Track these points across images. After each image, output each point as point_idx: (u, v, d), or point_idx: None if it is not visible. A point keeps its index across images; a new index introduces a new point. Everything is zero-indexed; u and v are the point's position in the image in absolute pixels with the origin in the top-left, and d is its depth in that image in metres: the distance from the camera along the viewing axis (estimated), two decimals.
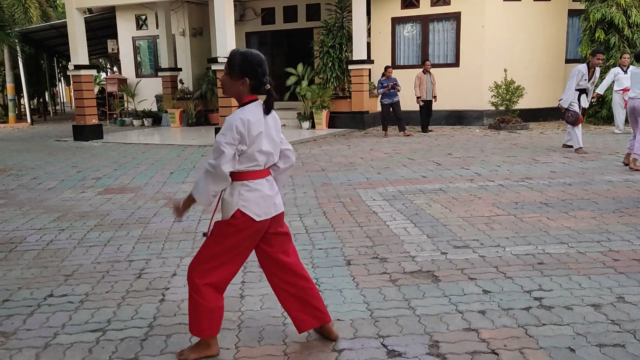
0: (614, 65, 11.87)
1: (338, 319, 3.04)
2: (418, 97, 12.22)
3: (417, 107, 12.59)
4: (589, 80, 8.61)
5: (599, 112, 12.70)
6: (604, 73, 12.30)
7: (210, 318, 2.61)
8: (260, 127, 2.52)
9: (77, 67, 12.87)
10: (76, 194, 6.78)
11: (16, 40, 15.80)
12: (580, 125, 8.75)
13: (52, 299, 3.48)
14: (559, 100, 8.82)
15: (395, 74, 12.44)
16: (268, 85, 2.54)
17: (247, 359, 2.65)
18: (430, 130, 12.64)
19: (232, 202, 2.56)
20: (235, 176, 2.55)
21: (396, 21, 14.26)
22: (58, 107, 28.48)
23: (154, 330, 2.99)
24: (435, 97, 12.43)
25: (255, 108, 2.54)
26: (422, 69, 12.38)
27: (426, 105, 12.40)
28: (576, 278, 3.51)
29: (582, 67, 8.58)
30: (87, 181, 7.65)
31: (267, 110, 2.56)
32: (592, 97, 10.55)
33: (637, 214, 5.01)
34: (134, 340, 2.88)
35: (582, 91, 8.66)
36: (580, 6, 13.27)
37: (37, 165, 9.22)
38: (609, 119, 12.37)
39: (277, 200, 2.65)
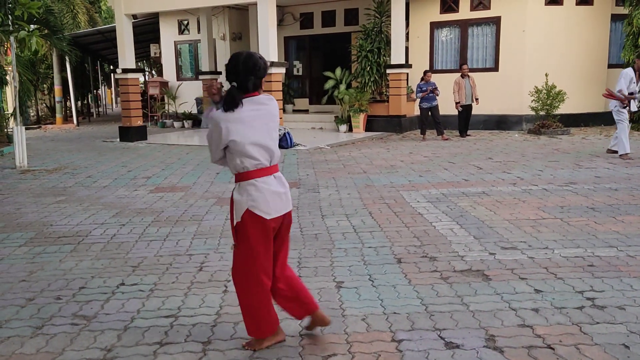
0: None
1: (394, 312, 3.19)
2: (457, 103, 12.24)
3: (454, 111, 12.62)
4: (637, 83, 8.56)
5: None
6: None
7: (265, 317, 2.77)
8: (229, 124, 2.76)
9: (125, 70, 13.35)
10: (130, 192, 7.11)
11: (65, 45, 16.45)
12: (626, 129, 8.66)
13: (124, 287, 3.73)
14: (620, 93, 8.60)
15: (434, 78, 12.49)
16: (233, 83, 2.78)
17: (312, 346, 2.82)
18: (469, 135, 12.64)
19: (241, 202, 2.75)
20: (240, 176, 2.76)
21: (435, 25, 14.31)
22: (100, 109, 29.44)
23: (222, 318, 3.20)
24: (477, 99, 12.36)
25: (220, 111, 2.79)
26: (460, 74, 12.41)
27: (465, 110, 12.40)
28: (627, 280, 3.58)
29: (629, 71, 8.54)
30: (138, 180, 7.99)
31: (225, 107, 2.75)
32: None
33: None
34: (205, 326, 3.09)
35: (630, 95, 8.59)
36: (624, 11, 13.07)
37: (89, 165, 9.65)
38: None
39: (286, 195, 2.80)
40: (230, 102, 2.68)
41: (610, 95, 8.67)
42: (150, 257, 4.41)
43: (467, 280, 3.68)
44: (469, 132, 12.83)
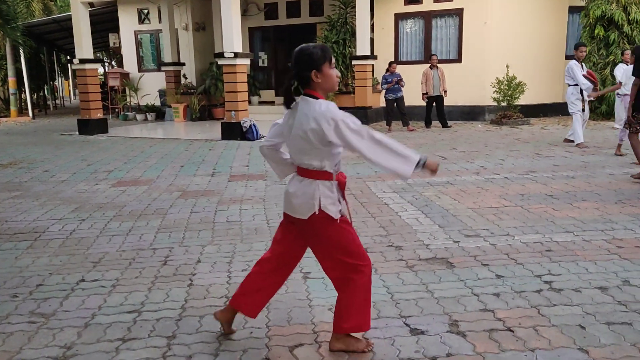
0: (614, 61, 12.06)
1: None
2: (424, 94, 12.34)
3: (422, 102, 12.72)
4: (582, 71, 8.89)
5: (599, 107, 12.89)
6: (603, 69, 12.51)
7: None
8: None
9: (82, 61, 12.97)
10: (90, 186, 6.93)
11: (19, 35, 15.85)
12: (580, 120, 8.94)
13: (84, 284, 3.64)
14: (587, 91, 8.89)
15: (399, 69, 12.59)
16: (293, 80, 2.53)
17: (278, 337, 2.82)
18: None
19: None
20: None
21: (399, 17, 14.41)
22: (57, 101, 28.54)
23: (187, 312, 3.16)
24: (445, 91, 12.46)
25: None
26: (428, 65, 12.50)
27: (434, 101, 12.48)
28: (583, 264, 3.70)
29: (574, 62, 8.85)
30: (99, 174, 7.79)
31: (284, 103, 2.57)
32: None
33: (638, 205, 5.20)
34: (170, 321, 3.05)
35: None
36: (581, 3, 13.45)
37: (46, 159, 9.36)
38: (608, 115, 12.57)
39: (294, 200, 2.54)
40: (287, 100, 2.54)
41: (591, 75, 8.95)
42: (112, 252, 4.32)
43: (431, 268, 3.74)
44: (434, 123, 12.88)
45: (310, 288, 3.45)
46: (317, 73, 2.47)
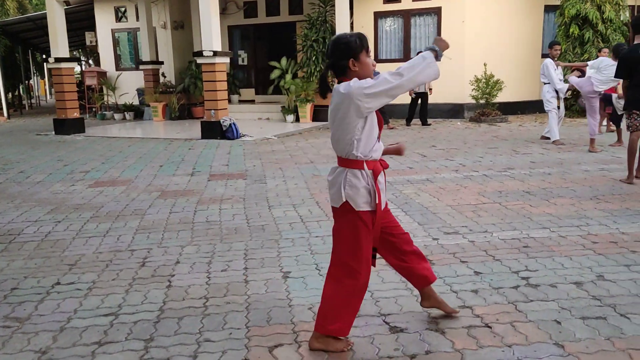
0: (589, 60, 12.26)
1: None
2: (410, 90, 12.38)
3: (403, 100, 12.73)
4: (556, 70, 9.05)
5: (574, 105, 13.10)
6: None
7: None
8: None
9: (58, 59, 12.75)
10: (66, 187, 6.82)
11: None
12: (556, 117, 9.09)
13: (59, 287, 3.58)
14: (561, 93, 9.04)
15: (378, 67, 12.63)
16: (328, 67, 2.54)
17: (258, 337, 2.81)
18: (430, 124, 12.76)
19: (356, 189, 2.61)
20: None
21: (378, 15, 14.46)
22: (33, 101, 28.01)
23: (166, 314, 3.12)
24: (430, 89, 12.51)
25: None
26: None
27: (419, 98, 12.53)
28: (559, 259, 3.76)
29: (549, 60, 9.00)
30: (76, 174, 7.67)
31: (320, 92, 2.62)
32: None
33: (613, 200, 5.31)
34: (147, 323, 3.01)
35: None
36: (556, 2, 13.66)
37: (21, 159, 9.18)
38: (583, 112, 12.77)
39: (329, 190, 2.64)
40: (322, 89, 2.60)
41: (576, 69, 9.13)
42: (89, 254, 4.25)
43: None
44: (429, 121, 12.89)
45: (290, 287, 3.44)
46: (354, 62, 2.47)
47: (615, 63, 7.00)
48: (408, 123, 12.80)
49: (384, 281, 3.49)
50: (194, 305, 3.21)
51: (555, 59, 9.10)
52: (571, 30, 12.79)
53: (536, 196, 5.59)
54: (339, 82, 2.50)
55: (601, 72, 8.22)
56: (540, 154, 8.16)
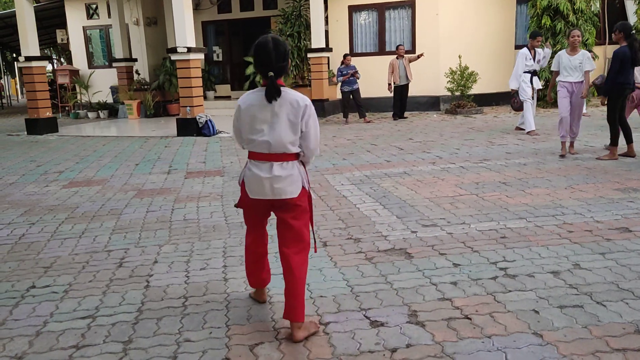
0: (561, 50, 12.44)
1: (321, 296, 3.22)
2: (389, 85, 12.41)
3: (381, 93, 12.77)
4: (534, 60, 9.15)
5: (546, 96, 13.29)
6: (551, 58, 12.90)
7: (248, 272, 3.10)
8: (251, 113, 2.67)
9: (28, 58, 12.45)
10: (40, 188, 6.67)
11: None
12: (530, 108, 9.21)
13: (35, 290, 3.50)
14: (535, 82, 9.22)
15: (354, 61, 12.63)
16: (270, 73, 2.58)
17: (238, 335, 2.79)
18: (406, 117, 12.79)
19: (241, 173, 2.88)
20: (248, 153, 2.80)
21: (353, 9, 14.44)
22: (4, 101, 27.32)
23: (144, 315, 3.08)
24: (411, 78, 12.53)
25: (253, 94, 2.71)
26: (395, 55, 12.55)
27: (401, 91, 12.57)
28: (536, 249, 3.81)
29: (524, 50, 9.14)
30: (50, 175, 7.51)
31: (267, 97, 2.61)
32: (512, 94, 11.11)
33: (587, 190, 5.41)
34: (126, 325, 2.96)
35: (532, 73, 9.16)
36: None
37: None
38: (557, 102, 12.97)
39: (277, 187, 2.66)
40: (272, 93, 2.60)
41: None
42: (65, 256, 4.17)
43: (390, 259, 3.77)
44: (405, 114, 12.94)
45: (269, 284, 3.41)
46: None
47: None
48: (395, 117, 12.72)
49: (364, 275, 3.49)
50: (173, 305, 3.17)
51: (535, 50, 9.20)
52: (543, 21, 12.95)
53: (512, 187, 5.66)
54: (278, 85, 2.61)
55: None
56: (515, 145, 8.27)
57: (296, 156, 2.73)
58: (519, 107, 9.19)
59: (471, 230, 4.30)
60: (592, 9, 13.26)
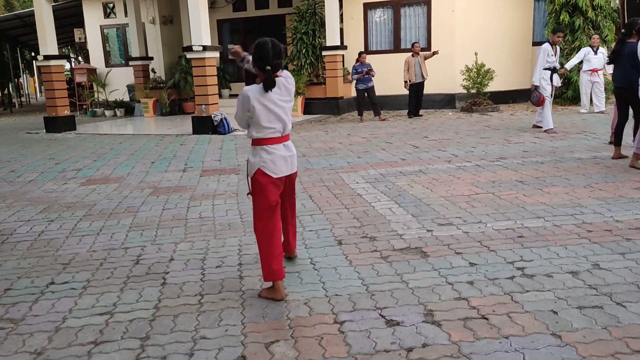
0: (579, 47, 12.29)
1: (336, 294, 3.21)
2: (405, 82, 12.34)
3: (398, 91, 12.71)
4: (555, 56, 9.01)
5: (565, 92, 13.13)
6: (569, 54, 12.73)
7: (276, 260, 3.20)
8: (260, 103, 3.12)
9: (47, 57, 12.62)
10: (59, 186, 6.76)
11: None
12: (549, 105, 9.09)
13: (54, 287, 3.55)
14: (555, 80, 9.12)
15: (369, 59, 12.58)
16: (268, 67, 3.10)
17: (254, 333, 2.80)
18: (421, 115, 12.72)
19: (254, 163, 3.22)
20: (255, 141, 3.22)
21: (368, 7, 14.39)
22: (23, 99, 27.74)
23: (161, 312, 3.10)
24: (426, 76, 12.44)
25: (255, 87, 3.17)
26: (410, 53, 12.47)
27: (417, 88, 12.51)
28: (554, 249, 3.77)
29: (546, 45, 8.99)
30: (68, 172, 7.61)
31: (264, 88, 3.11)
32: (560, 72, 11.01)
33: (606, 188, 5.32)
34: (143, 321, 2.99)
35: (553, 70, 9.02)
36: None
37: (12, 158, 9.09)
38: (575, 100, 12.82)
39: (293, 160, 3.32)
40: (269, 84, 3.09)
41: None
42: (83, 253, 4.22)
43: (406, 258, 3.75)
44: (421, 112, 12.87)
45: (285, 282, 3.42)
46: None
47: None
48: (411, 115, 12.65)
49: (379, 274, 3.48)
50: (189, 303, 3.20)
51: (556, 45, 9.08)
52: (562, 17, 12.78)
53: (529, 185, 5.60)
54: (274, 76, 3.14)
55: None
56: (532, 143, 8.18)
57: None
58: (536, 101, 9.04)
59: (488, 229, 4.26)
60: (612, 5, 13.04)
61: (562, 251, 3.71)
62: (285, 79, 3.21)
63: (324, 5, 13.54)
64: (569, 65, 11.45)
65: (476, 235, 4.13)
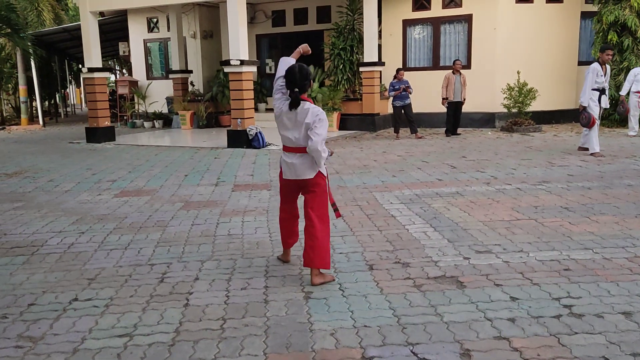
0: (628, 68, 11.78)
1: (365, 325, 3.02)
2: (444, 99, 12.08)
3: (436, 109, 12.46)
4: (604, 76, 8.59)
5: (612, 114, 12.59)
6: (617, 75, 12.22)
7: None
8: (282, 117, 3.67)
9: (91, 69, 12.92)
10: (93, 197, 6.80)
11: (29, 44, 15.91)
12: (596, 128, 8.68)
13: (77, 303, 3.48)
14: (603, 101, 8.73)
15: (407, 76, 12.39)
16: (296, 89, 3.58)
17: None
18: (459, 134, 12.44)
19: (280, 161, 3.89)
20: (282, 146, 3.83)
21: (407, 23, 14.23)
22: (69, 109, 28.63)
23: (181, 336, 2.98)
24: (464, 99, 12.16)
25: (283, 104, 3.67)
26: (451, 70, 12.21)
27: (454, 107, 12.23)
28: (604, 285, 3.47)
29: (595, 65, 8.59)
30: (103, 183, 7.67)
31: (289, 105, 3.61)
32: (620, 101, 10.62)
33: None
34: (162, 346, 2.87)
35: (601, 92, 8.61)
36: (593, 8, 13.19)
37: (52, 168, 9.27)
38: (623, 122, 12.26)
39: (299, 170, 3.68)
40: (294, 104, 3.56)
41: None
42: (109, 267, 4.16)
43: (441, 287, 3.53)
44: (459, 130, 12.57)
45: (311, 310, 3.25)
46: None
47: None
48: (448, 133, 12.36)
49: (412, 305, 3.27)
50: (211, 327, 3.06)
51: (606, 65, 8.69)
52: (609, 37, 12.30)
53: (576, 212, 5.27)
54: (300, 98, 3.58)
55: None
56: (578, 167, 7.79)
57: None
58: (586, 122, 8.62)
59: (530, 260, 3.99)
60: None
61: (614, 288, 3.41)
62: (307, 110, 3.55)
63: (362, 22, 13.46)
64: (623, 91, 10.99)
65: (517, 266, 3.87)
